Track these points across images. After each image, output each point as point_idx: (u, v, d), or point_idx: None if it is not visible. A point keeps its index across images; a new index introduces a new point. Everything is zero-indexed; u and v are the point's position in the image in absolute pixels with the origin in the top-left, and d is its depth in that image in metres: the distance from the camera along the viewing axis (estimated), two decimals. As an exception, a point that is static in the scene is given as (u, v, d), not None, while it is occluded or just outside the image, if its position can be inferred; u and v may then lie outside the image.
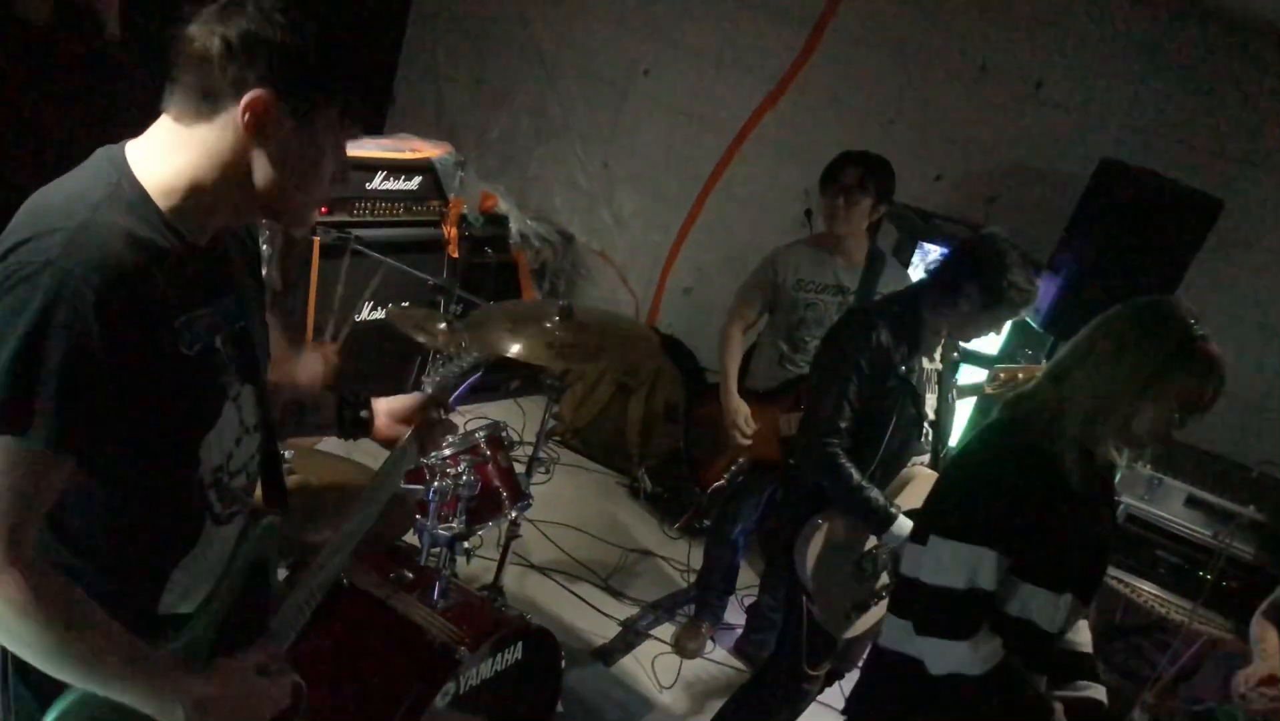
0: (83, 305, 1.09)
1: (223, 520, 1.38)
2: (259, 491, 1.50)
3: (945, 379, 2.74)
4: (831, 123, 4.64)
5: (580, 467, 4.78)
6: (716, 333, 3.59)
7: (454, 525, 2.66)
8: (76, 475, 1.17)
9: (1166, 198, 3.49)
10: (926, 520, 2.00)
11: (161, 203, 1.20)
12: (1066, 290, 3.58)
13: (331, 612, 2.20)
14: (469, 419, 4.15)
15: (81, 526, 1.23)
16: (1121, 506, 3.43)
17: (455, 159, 4.61)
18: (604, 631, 3.61)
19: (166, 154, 1.22)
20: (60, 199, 1.18)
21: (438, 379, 1.94)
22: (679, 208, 5.15)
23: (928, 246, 3.92)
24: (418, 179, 4.43)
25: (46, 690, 1.22)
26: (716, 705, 3.01)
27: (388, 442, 1.79)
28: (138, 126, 1.27)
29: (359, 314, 4.04)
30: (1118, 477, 2.02)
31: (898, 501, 2.56)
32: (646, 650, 3.59)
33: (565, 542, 4.04)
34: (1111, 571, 3.37)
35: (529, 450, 3.12)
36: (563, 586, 3.79)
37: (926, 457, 2.76)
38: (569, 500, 4.35)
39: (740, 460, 3.54)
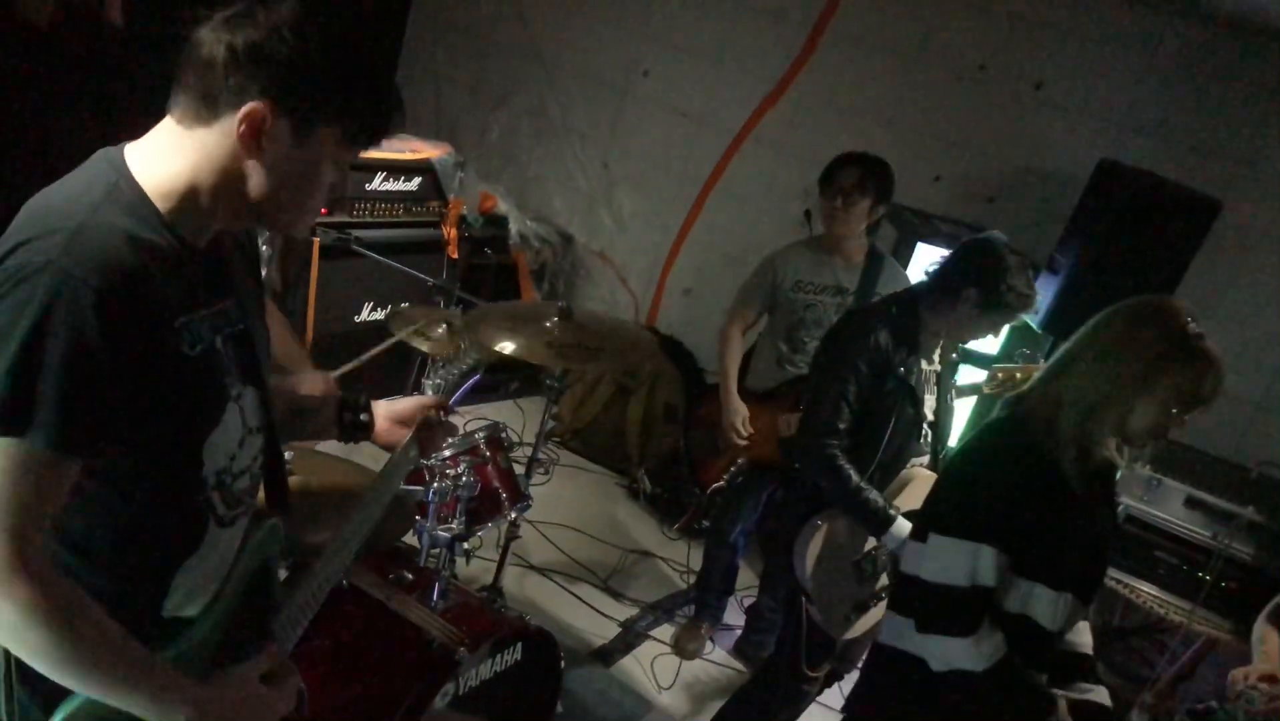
0: (83, 305, 1.09)
1: (226, 522, 1.37)
2: (261, 493, 1.50)
3: (944, 380, 2.74)
4: (831, 123, 4.64)
5: (580, 468, 4.78)
6: (716, 333, 3.59)
7: (453, 526, 2.66)
8: (80, 477, 1.17)
9: (1165, 198, 3.50)
10: (927, 518, 2.01)
11: (160, 204, 1.21)
12: (1065, 290, 3.58)
13: (331, 613, 2.20)
14: (468, 420, 4.15)
15: (84, 528, 1.23)
16: (1121, 507, 3.43)
17: (455, 159, 4.62)
18: (603, 632, 3.61)
19: (165, 156, 1.22)
20: (59, 200, 1.18)
21: (438, 381, 1.94)
22: (678, 208, 5.15)
23: (927, 247, 3.92)
24: (417, 179, 4.43)
25: (50, 695, 1.22)
26: (716, 706, 3.01)
27: (388, 446, 1.79)
28: (140, 126, 1.27)
29: (359, 315, 4.04)
30: (1118, 477, 2.02)
31: (897, 502, 2.56)
32: (646, 651, 3.59)
33: (565, 543, 4.04)
34: (1111, 572, 3.37)
35: (528, 451, 3.12)
36: (562, 587, 3.79)
37: (926, 459, 2.76)
38: (568, 501, 4.35)
39: (740, 461, 3.54)
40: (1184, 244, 3.49)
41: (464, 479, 2.63)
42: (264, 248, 2.38)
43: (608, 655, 3.51)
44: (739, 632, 3.76)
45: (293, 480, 2.42)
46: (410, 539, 2.80)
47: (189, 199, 1.22)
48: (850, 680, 2.85)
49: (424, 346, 2.79)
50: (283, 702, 1.37)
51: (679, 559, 4.18)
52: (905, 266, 3.76)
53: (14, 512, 1.11)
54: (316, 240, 3.88)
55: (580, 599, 3.75)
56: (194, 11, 1.19)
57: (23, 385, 1.09)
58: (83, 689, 1.17)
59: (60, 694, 1.21)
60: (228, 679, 1.31)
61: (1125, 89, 4.09)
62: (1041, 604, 1.88)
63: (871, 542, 2.61)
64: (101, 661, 1.16)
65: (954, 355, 2.75)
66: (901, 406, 2.61)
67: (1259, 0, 3.26)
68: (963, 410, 3.30)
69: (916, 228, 4.01)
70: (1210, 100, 3.95)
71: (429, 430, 1.81)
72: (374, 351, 2.78)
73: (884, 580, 2.64)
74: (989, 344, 3.70)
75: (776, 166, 4.85)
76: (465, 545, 2.84)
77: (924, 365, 2.67)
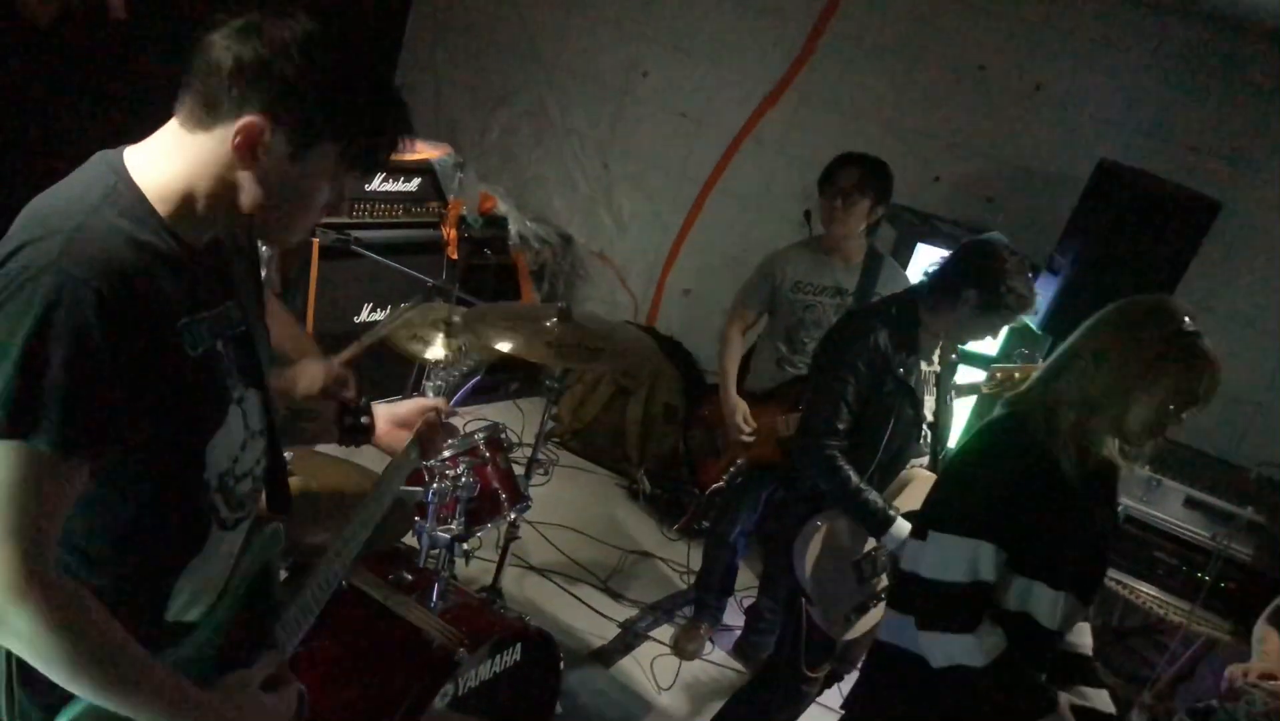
0: (85, 305, 1.09)
1: (229, 525, 1.37)
2: (263, 497, 1.50)
3: (943, 380, 2.74)
4: (830, 124, 4.64)
5: (579, 469, 4.78)
6: (715, 334, 3.59)
7: (453, 527, 2.66)
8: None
9: (1165, 199, 3.50)
10: (927, 517, 2.02)
11: (160, 207, 1.21)
12: (1065, 291, 3.59)
13: (330, 614, 2.19)
14: (468, 420, 4.15)
15: (86, 531, 1.23)
16: (1121, 507, 3.43)
17: (454, 160, 4.62)
18: (603, 633, 3.61)
19: (164, 159, 1.22)
20: (58, 203, 1.18)
21: (439, 383, 1.94)
22: (678, 209, 5.15)
23: (926, 248, 3.92)
24: (417, 180, 4.44)
25: (51, 699, 1.22)
26: (715, 706, 3.01)
27: (389, 448, 1.79)
28: (141, 124, 1.27)
29: (358, 316, 4.04)
30: (1119, 478, 2.03)
31: (896, 503, 2.56)
32: (645, 651, 3.59)
33: (564, 544, 4.04)
34: (1110, 572, 3.37)
35: (528, 452, 3.12)
36: (562, 588, 3.79)
37: (925, 460, 2.76)
38: (568, 502, 4.35)
39: (739, 461, 3.54)
40: (1183, 244, 3.49)
41: (463, 479, 2.63)
42: (264, 248, 2.38)
43: (607, 656, 3.51)
44: (738, 633, 3.76)
45: (293, 481, 2.42)
46: (410, 540, 2.80)
47: (187, 203, 1.22)
48: (850, 680, 2.85)
49: (425, 354, 2.78)
50: (284, 706, 1.37)
51: (678, 559, 4.18)
52: (905, 267, 3.76)
53: (23, 519, 1.10)
54: (316, 241, 3.88)
55: (580, 599, 3.75)
56: (206, 15, 1.19)
57: (26, 387, 1.08)
58: (91, 696, 1.17)
59: (61, 698, 1.21)
60: (231, 685, 1.31)
61: (1125, 89, 4.10)
62: (1041, 602, 1.89)
63: (871, 543, 2.61)
64: (112, 669, 1.16)
65: (953, 356, 2.75)
66: (901, 407, 2.61)
67: (1259, 1, 3.26)
68: (962, 410, 3.30)
69: (916, 228, 4.01)
70: (1210, 100, 3.95)
71: (430, 432, 1.81)
72: (377, 333, 2.78)
73: (884, 580, 2.64)
74: (988, 344, 3.70)
75: (776, 167, 4.85)
76: (464, 546, 2.84)
77: (923, 366, 2.67)
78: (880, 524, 2.49)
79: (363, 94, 1.23)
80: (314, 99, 1.18)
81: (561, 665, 2.60)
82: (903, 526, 2.44)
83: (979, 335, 2.65)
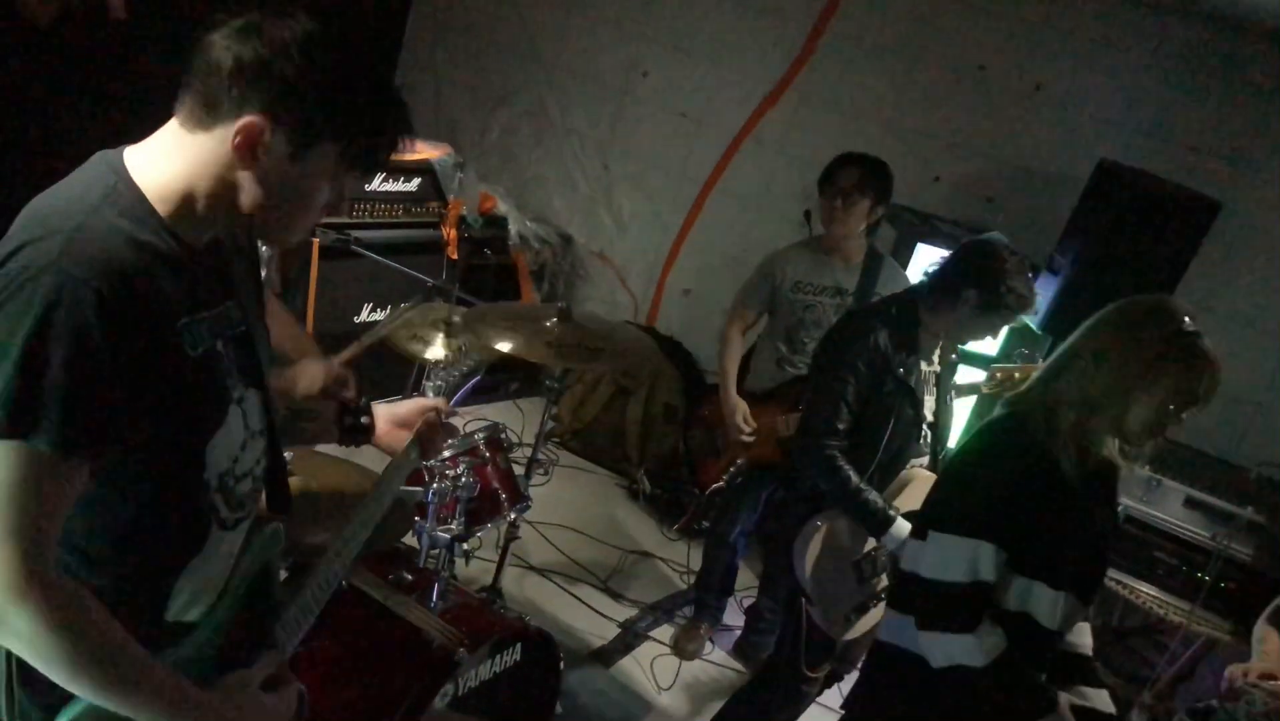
0: (85, 305, 1.09)
1: (229, 525, 1.37)
2: (263, 497, 1.50)
3: (943, 381, 2.74)
4: (830, 124, 4.64)
5: (579, 469, 4.78)
6: (715, 334, 3.59)
7: (453, 527, 2.66)
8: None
9: (1165, 199, 3.50)
10: (926, 516, 2.02)
11: (159, 207, 1.21)
12: (1064, 291, 3.58)
13: (330, 614, 2.19)
14: (468, 420, 4.15)
15: (85, 531, 1.23)
16: (1121, 508, 3.43)
17: (454, 160, 4.62)
18: (603, 633, 3.61)
19: (164, 159, 1.22)
20: (58, 203, 1.18)
21: (439, 383, 1.94)
22: (678, 209, 5.15)
23: (926, 248, 3.92)
24: (417, 180, 4.43)
25: (50, 699, 1.22)
26: (715, 707, 3.01)
27: (389, 449, 1.78)
28: (142, 123, 1.27)
29: (358, 316, 4.04)
30: (1120, 479, 2.03)
31: (896, 503, 2.56)
32: (645, 651, 3.59)
33: (564, 544, 4.04)
34: (1110, 573, 3.37)
35: (528, 452, 3.12)
36: (562, 588, 3.79)
37: (925, 460, 2.76)
38: (568, 502, 4.35)
39: (739, 461, 3.54)
40: (1183, 244, 3.49)
41: (463, 479, 2.63)
42: (264, 248, 2.38)
43: (607, 656, 3.51)
44: (738, 633, 3.76)
45: (292, 481, 2.42)
46: (410, 540, 2.80)
47: (187, 203, 1.22)
48: (850, 680, 2.85)
49: (425, 354, 2.78)
50: (284, 706, 1.37)
51: (678, 559, 4.18)
52: (905, 267, 3.76)
53: (23, 519, 1.10)
54: (316, 241, 3.88)
55: (580, 599, 3.75)
56: (206, 15, 1.19)
57: (26, 387, 1.08)
58: (91, 696, 1.17)
59: (61, 698, 1.21)
60: (231, 685, 1.31)
61: (1125, 89, 4.10)
62: (1041, 602, 1.89)
63: (871, 543, 2.61)
64: (112, 669, 1.16)
65: (953, 356, 2.75)
66: (901, 407, 2.61)
67: (1259, 1, 3.26)
68: (962, 410, 3.30)
69: (916, 228, 4.01)
70: (1210, 100, 3.95)
71: (430, 432, 1.81)
72: (376, 333, 2.78)
73: (884, 580, 2.64)
74: (988, 344, 3.70)
75: (776, 167, 4.85)
76: (464, 546, 2.84)
77: (923, 366, 2.67)
78: (880, 524, 2.49)
79: (363, 94, 1.23)
80: (314, 99, 1.18)
81: (561, 665, 2.60)
82: (903, 526, 2.44)
83: (979, 335, 2.65)
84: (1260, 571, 3.33)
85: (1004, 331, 3.48)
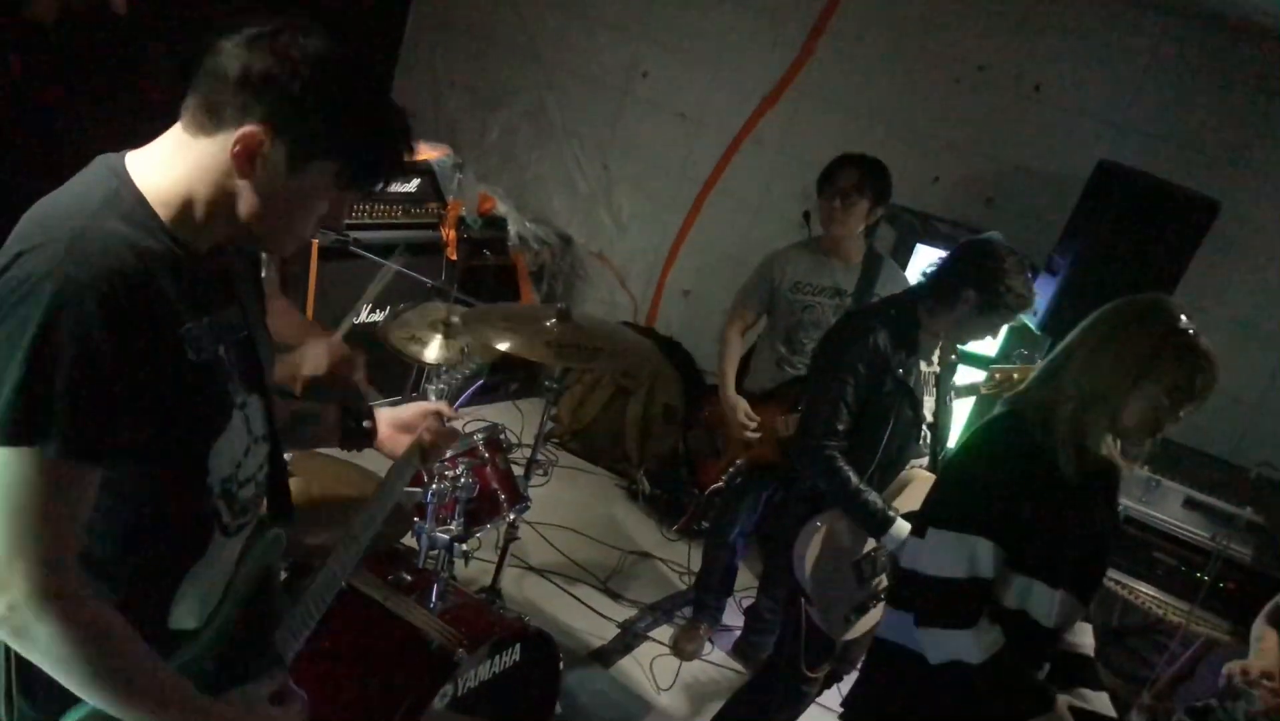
0: (88, 311, 1.09)
1: (231, 531, 1.37)
2: (265, 502, 1.49)
3: (943, 381, 2.74)
4: (829, 125, 4.64)
5: (578, 469, 4.78)
6: (715, 334, 3.59)
7: (452, 527, 2.66)
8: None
9: (1164, 199, 3.50)
10: (926, 514, 2.02)
11: (161, 211, 1.20)
12: (1064, 291, 3.58)
13: (330, 615, 2.19)
14: (467, 421, 4.15)
15: (88, 538, 1.22)
16: (1120, 508, 3.43)
17: (453, 161, 4.62)
18: (602, 633, 3.61)
19: (166, 163, 1.22)
20: (59, 208, 1.17)
21: (441, 386, 1.93)
22: (677, 210, 5.15)
23: (926, 248, 3.93)
24: (416, 181, 4.43)
25: (51, 707, 1.22)
26: (715, 707, 3.01)
27: (391, 453, 1.78)
28: (145, 124, 1.27)
29: (357, 315, 4.03)
30: (1120, 479, 2.03)
31: (896, 504, 2.56)
32: (645, 652, 3.59)
33: (563, 545, 4.04)
34: (1109, 573, 3.37)
35: (527, 452, 3.12)
36: (561, 588, 3.79)
37: (925, 460, 2.76)
38: (567, 502, 4.35)
39: (738, 462, 3.54)
40: (1183, 244, 3.49)
41: (462, 480, 2.63)
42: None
43: (606, 656, 3.51)
44: (738, 633, 3.76)
45: (291, 481, 2.43)
46: (409, 540, 2.80)
47: (187, 207, 1.22)
48: (850, 681, 2.85)
49: (426, 356, 2.78)
50: (292, 719, 1.38)
51: (678, 560, 4.18)
52: (904, 268, 3.76)
53: (42, 527, 1.10)
54: (315, 241, 3.88)
55: (579, 600, 3.75)
56: (208, 15, 1.19)
57: (34, 394, 1.08)
58: (108, 707, 1.17)
59: (61, 706, 1.21)
60: (241, 699, 1.32)
61: (1124, 90, 4.10)
62: (1039, 600, 1.89)
63: (871, 543, 2.61)
64: (132, 683, 1.16)
65: (953, 356, 2.75)
66: (900, 408, 2.61)
67: (1258, 1, 3.26)
68: (962, 411, 3.30)
69: (915, 229, 4.01)
70: (1209, 101, 3.95)
71: (434, 439, 1.79)
72: (372, 290, 2.82)
73: (884, 581, 2.64)
74: (987, 345, 3.70)
75: (775, 167, 4.85)
76: (464, 546, 2.84)
77: (923, 366, 2.67)
78: (880, 524, 2.49)
79: (366, 116, 1.23)
80: (316, 115, 1.18)
81: (561, 665, 2.60)
82: (902, 527, 2.44)
83: (979, 335, 2.65)
84: (1260, 572, 3.33)
85: (1003, 331, 3.48)
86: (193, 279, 1.23)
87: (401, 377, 4.34)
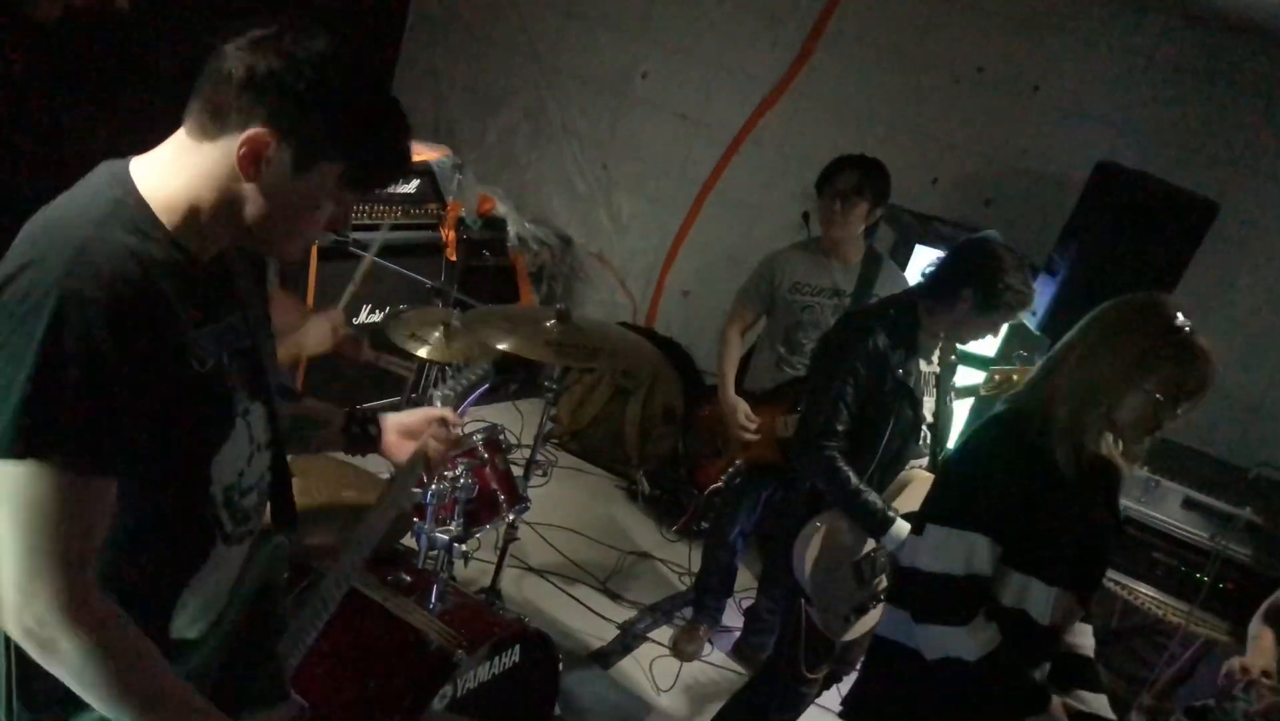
0: (93, 324, 1.09)
1: (233, 540, 1.36)
2: (267, 510, 1.48)
3: (943, 381, 2.74)
4: (828, 126, 4.64)
5: (578, 470, 4.79)
6: (714, 335, 3.59)
7: (451, 528, 2.66)
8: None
9: (1163, 200, 3.50)
10: (925, 511, 2.03)
11: (165, 219, 1.20)
12: (1063, 292, 3.58)
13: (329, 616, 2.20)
14: (467, 421, 4.15)
15: None
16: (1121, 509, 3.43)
17: (453, 162, 4.62)
18: (602, 634, 3.61)
19: (170, 169, 1.21)
20: (63, 217, 1.17)
21: (446, 392, 1.92)
22: (677, 210, 5.15)
23: (925, 249, 3.93)
24: (415, 182, 4.43)
25: (50, 716, 1.22)
26: (715, 708, 3.01)
27: (395, 459, 1.77)
28: (147, 123, 1.27)
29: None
30: (1121, 479, 2.03)
31: (896, 504, 2.56)
32: (644, 653, 3.59)
33: (563, 545, 4.04)
34: (1109, 573, 3.37)
35: (527, 453, 3.12)
36: (560, 589, 3.79)
37: (925, 460, 2.76)
38: (567, 503, 4.35)
39: (738, 462, 3.54)
40: (1182, 245, 3.49)
41: (462, 481, 2.63)
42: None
43: (606, 657, 3.51)
44: (738, 634, 3.76)
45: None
46: (408, 541, 2.80)
47: (192, 215, 1.21)
48: (849, 682, 2.85)
49: (420, 351, 2.79)
50: None
51: (677, 560, 4.18)
52: (904, 268, 3.76)
53: (63, 542, 1.10)
54: (315, 242, 3.88)
55: (578, 601, 3.75)
56: (209, 14, 1.19)
57: (42, 408, 1.08)
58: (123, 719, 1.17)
59: (61, 712, 1.21)
60: None
61: (1123, 91, 4.10)
62: (1036, 598, 1.90)
63: (871, 544, 2.61)
64: (152, 698, 1.17)
65: (953, 356, 2.75)
66: (900, 408, 2.61)
67: (1256, 2, 3.26)
68: (961, 411, 3.30)
69: (915, 230, 4.01)
70: (1207, 102, 3.95)
71: (438, 446, 1.78)
72: (366, 263, 2.84)
73: (883, 582, 2.64)
74: (987, 345, 3.70)
75: (775, 168, 4.85)
76: (463, 547, 2.84)
77: (923, 366, 2.67)
78: (880, 525, 2.49)
79: (371, 116, 1.23)
80: (322, 116, 1.18)
81: (560, 666, 2.60)
82: (902, 527, 2.44)
83: (979, 334, 2.65)
84: (1259, 572, 3.33)
85: (1003, 331, 3.48)
86: (197, 286, 1.23)
87: (400, 377, 4.34)
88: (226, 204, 1.21)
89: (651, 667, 3.50)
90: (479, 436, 2.86)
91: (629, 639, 3.63)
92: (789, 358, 3.45)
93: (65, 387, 1.08)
